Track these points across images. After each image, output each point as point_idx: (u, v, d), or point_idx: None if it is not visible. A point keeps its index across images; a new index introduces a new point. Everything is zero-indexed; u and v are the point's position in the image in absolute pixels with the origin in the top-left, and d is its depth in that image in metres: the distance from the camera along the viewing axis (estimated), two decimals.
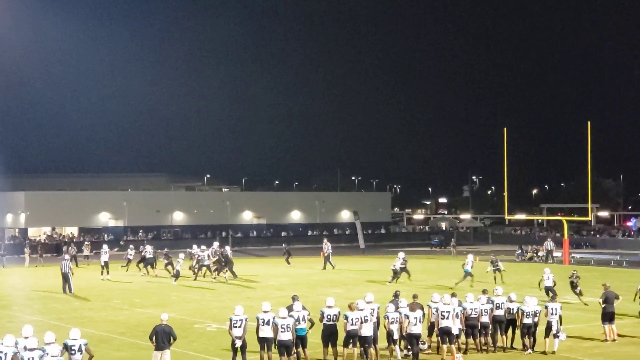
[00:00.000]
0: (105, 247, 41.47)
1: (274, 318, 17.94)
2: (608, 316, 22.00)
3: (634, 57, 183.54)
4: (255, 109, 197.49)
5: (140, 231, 72.28)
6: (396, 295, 20.87)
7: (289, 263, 47.56)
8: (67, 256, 36.19)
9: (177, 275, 37.35)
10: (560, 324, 20.47)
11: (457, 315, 19.52)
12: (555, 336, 20.25)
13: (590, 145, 47.17)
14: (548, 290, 29.90)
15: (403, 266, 37.44)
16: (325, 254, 45.60)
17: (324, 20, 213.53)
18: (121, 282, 38.35)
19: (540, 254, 53.11)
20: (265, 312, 18.11)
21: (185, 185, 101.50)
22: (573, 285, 30.08)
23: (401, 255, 38.02)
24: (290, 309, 18.65)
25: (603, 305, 22.23)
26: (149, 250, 42.22)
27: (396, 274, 37.11)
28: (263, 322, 17.91)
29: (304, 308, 18.82)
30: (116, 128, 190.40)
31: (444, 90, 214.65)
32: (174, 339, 17.35)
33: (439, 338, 19.51)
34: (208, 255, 38.83)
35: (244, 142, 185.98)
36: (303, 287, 34.74)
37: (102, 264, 39.57)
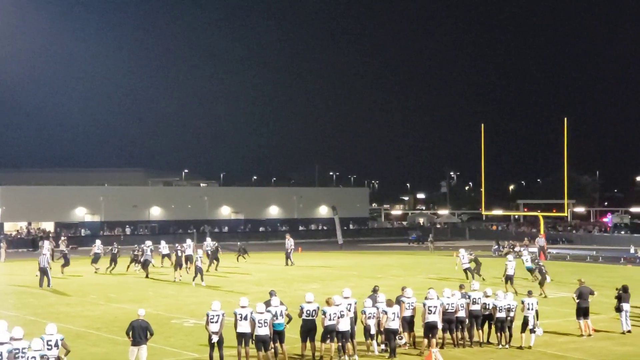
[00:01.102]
0: (46, 243, 40.74)
1: (251, 313, 17.91)
2: (582, 311, 22.14)
3: (611, 55, 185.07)
4: (233, 104, 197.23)
5: (127, 225, 72.00)
6: (374, 291, 20.90)
7: (244, 258, 47.30)
8: (45, 251, 35.89)
9: (199, 272, 34.76)
10: (537, 319, 20.59)
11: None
12: (532, 331, 20.35)
13: (566, 141, 47.56)
14: (508, 278, 30.64)
15: (472, 259, 35.86)
16: (288, 250, 45.56)
17: (304, 18, 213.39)
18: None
19: (516, 249, 53.39)
20: (242, 307, 18.09)
21: (163, 180, 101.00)
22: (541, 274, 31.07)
23: (462, 251, 36.29)
24: (267, 304, 18.64)
25: (577, 301, 22.38)
26: (98, 246, 41.25)
27: (476, 265, 35.57)
28: (241, 318, 17.89)
29: (281, 303, 18.84)
30: (93, 123, 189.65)
31: (422, 86, 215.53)
32: (151, 334, 17.28)
33: (423, 332, 19.55)
34: (151, 250, 38.87)
35: (222, 137, 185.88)
36: (280, 283, 34.72)
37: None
